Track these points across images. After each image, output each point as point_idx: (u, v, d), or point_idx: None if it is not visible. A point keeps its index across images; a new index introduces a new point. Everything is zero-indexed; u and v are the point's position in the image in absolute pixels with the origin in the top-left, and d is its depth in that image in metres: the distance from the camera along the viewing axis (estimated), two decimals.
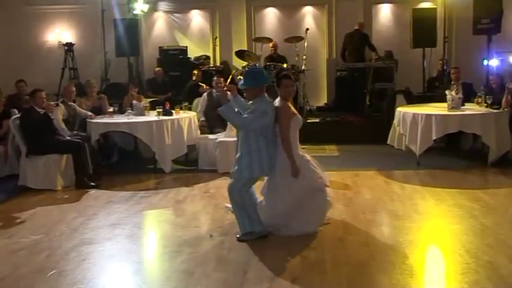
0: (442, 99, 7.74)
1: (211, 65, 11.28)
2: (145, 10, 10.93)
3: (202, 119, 8.16)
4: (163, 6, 11.85)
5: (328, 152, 8.66)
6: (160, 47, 11.30)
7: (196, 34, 12.02)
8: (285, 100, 4.70)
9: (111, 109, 7.80)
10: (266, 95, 4.65)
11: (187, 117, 7.65)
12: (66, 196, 6.38)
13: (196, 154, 7.74)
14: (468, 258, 4.03)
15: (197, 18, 12.04)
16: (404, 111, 7.62)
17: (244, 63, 9.99)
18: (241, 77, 5.27)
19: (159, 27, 12.01)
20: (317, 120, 9.86)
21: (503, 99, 7.32)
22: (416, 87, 10.02)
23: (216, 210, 5.54)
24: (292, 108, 4.75)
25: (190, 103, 8.61)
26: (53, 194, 6.46)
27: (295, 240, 4.51)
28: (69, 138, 6.99)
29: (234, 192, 4.56)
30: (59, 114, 7.14)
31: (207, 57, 11.57)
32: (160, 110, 7.52)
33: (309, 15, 11.90)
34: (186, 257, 4.26)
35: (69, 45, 10.69)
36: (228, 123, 6.95)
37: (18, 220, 5.46)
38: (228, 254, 4.32)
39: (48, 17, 11.56)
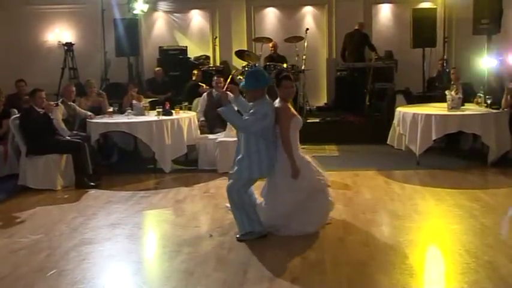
0: (442, 99, 7.74)
1: (211, 65, 11.30)
2: (145, 10, 10.94)
3: (202, 119, 8.16)
4: (163, 6, 11.85)
5: (328, 152, 8.65)
6: (160, 47, 11.31)
7: (196, 34, 12.02)
8: (285, 101, 4.70)
9: (111, 109, 7.81)
10: (267, 96, 4.65)
11: (187, 117, 7.65)
12: (66, 196, 6.38)
13: (196, 154, 7.74)
14: (468, 258, 4.03)
15: (197, 18, 12.04)
16: (404, 111, 7.62)
17: (244, 63, 9.99)
18: (242, 78, 5.27)
19: (159, 27, 12.02)
20: (317, 120, 9.87)
21: (503, 100, 7.31)
22: (416, 87, 10.03)
23: (216, 210, 5.54)
24: (292, 109, 4.75)
25: (190, 103, 8.61)
26: (52, 194, 6.46)
27: (295, 240, 4.51)
28: (69, 138, 6.98)
29: (232, 192, 4.56)
30: (58, 114, 7.14)
31: (207, 57, 11.58)
32: (160, 110, 7.52)
33: (309, 15, 11.91)
34: (185, 256, 4.26)
35: (69, 45, 10.68)
36: (227, 123, 6.95)
37: (18, 220, 5.46)
38: (228, 254, 4.32)
39: (48, 16, 11.56)
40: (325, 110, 10.96)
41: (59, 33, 11.44)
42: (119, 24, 9.85)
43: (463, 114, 7.17)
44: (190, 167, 7.69)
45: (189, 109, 8.32)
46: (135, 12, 10.66)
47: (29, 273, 4.02)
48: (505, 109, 7.28)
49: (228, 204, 4.80)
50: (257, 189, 4.93)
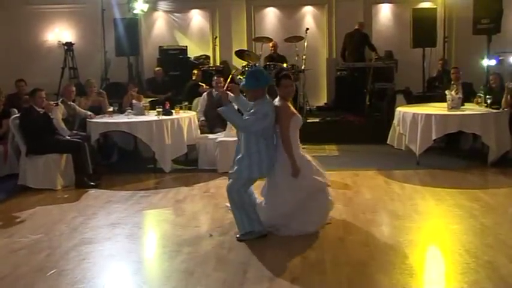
0: (442, 99, 7.74)
1: (211, 65, 11.30)
2: (145, 10, 10.93)
3: (202, 118, 8.16)
4: (163, 5, 11.85)
5: (328, 151, 8.65)
6: (160, 47, 11.30)
7: (196, 34, 12.02)
8: (285, 100, 4.70)
9: (111, 109, 7.81)
10: (267, 95, 4.65)
11: (187, 117, 7.64)
12: (66, 196, 6.37)
13: (196, 154, 7.73)
14: (468, 258, 4.03)
15: (197, 18, 12.04)
16: (404, 111, 7.62)
17: (244, 63, 9.99)
18: (242, 77, 5.27)
19: (159, 26, 12.01)
20: (317, 120, 9.87)
21: (503, 99, 7.32)
22: (416, 87, 10.02)
23: (216, 210, 5.54)
24: (292, 107, 4.74)
25: (190, 103, 8.60)
26: (52, 194, 6.46)
27: (295, 240, 4.51)
28: (69, 137, 6.98)
29: (232, 192, 4.55)
30: (58, 114, 7.13)
31: (207, 57, 11.58)
32: (160, 109, 7.52)
33: (309, 15, 11.91)
34: (185, 256, 4.26)
35: (69, 45, 10.69)
36: (227, 122, 6.96)
37: (18, 219, 5.45)
38: (227, 253, 4.32)
39: (48, 16, 11.56)
40: (325, 109, 10.96)
41: (59, 32, 11.44)
42: (119, 23, 9.85)
43: (463, 114, 7.17)
44: (190, 166, 7.69)
45: (189, 109, 8.32)
46: (135, 12, 10.65)
47: (29, 273, 4.02)
48: (505, 109, 7.28)
49: (228, 204, 4.80)
50: (257, 189, 4.93)
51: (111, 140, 8.11)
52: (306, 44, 10.12)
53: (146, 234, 5.12)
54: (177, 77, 10.61)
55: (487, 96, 7.38)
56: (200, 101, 8.43)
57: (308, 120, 9.48)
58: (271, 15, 11.99)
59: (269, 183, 4.77)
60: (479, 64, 9.07)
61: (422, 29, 9.48)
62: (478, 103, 7.61)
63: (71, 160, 6.77)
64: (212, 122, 7.96)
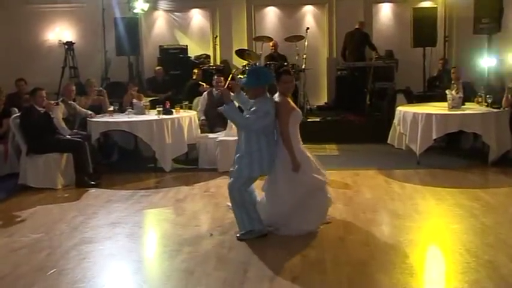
0: (443, 98, 7.73)
1: (212, 64, 11.29)
2: (146, 9, 10.92)
3: (203, 118, 8.16)
4: (163, 5, 11.84)
5: (329, 151, 8.65)
6: (160, 46, 11.29)
7: (196, 33, 12.01)
8: (284, 95, 4.70)
9: (111, 108, 7.81)
10: (268, 93, 4.65)
11: (187, 116, 7.64)
12: (66, 195, 6.38)
13: (197, 153, 7.73)
14: (468, 257, 4.03)
15: (197, 17, 12.04)
16: (404, 110, 7.62)
17: (245, 62, 10.00)
18: (242, 77, 5.26)
19: (160, 26, 12.01)
20: (317, 119, 9.86)
21: (504, 99, 7.30)
22: (416, 87, 10.01)
23: (216, 209, 5.54)
24: (292, 102, 4.74)
25: (191, 102, 8.60)
26: (53, 193, 6.46)
27: (295, 239, 4.50)
28: (69, 137, 6.98)
29: (234, 191, 4.55)
30: (59, 113, 7.13)
31: (207, 56, 11.57)
32: (161, 109, 7.52)
33: (309, 14, 11.90)
34: (186, 256, 4.26)
35: (69, 44, 10.69)
36: (228, 121, 6.96)
37: (19, 219, 5.46)
38: (228, 253, 4.32)
39: (48, 15, 11.55)
40: (326, 109, 10.96)
41: (60, 32, 11.43)
42: (119, 23, 9.85)
43: (463, 114, 7.17)
44: (190, 166, 7.69)
45: (190, 108, 8.31)
46: (135, 11, 10.65)
47: (29, 272, 4.02)
48: (506, 108, 7.27)
49: (229, 203, 4.80)
50: (258, 189, 4.92)
51: (112, 139, 8.11)
52: (306, 43, 10.12)
53: (146, 234, 5.12)
54: (177, 76, 10.61)
55: (488, 96, 7.38)
56: (200, 100, 8.43)
57: (308, 120, 9.49)
58: (271, 14, 11.99)
59: (269, 178, 4.76)
60: (479, 63, 9.07)
61: (422, 28, 9.48)
62: (478, 103, 7.61)
63: (72, 159, 6.77)
64: (212, 121, 7.96)
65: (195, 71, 9.86)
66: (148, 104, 8.11)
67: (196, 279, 3.81)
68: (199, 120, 8.03)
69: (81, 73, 10.56)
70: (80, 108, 7.67)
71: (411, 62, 10.41)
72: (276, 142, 4.64)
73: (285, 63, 9.72)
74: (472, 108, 7.45)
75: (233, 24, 11.69)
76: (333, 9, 11.66)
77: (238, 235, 4.60)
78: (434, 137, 7.11)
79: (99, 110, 7.92)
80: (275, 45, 10.69)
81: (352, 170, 7.13)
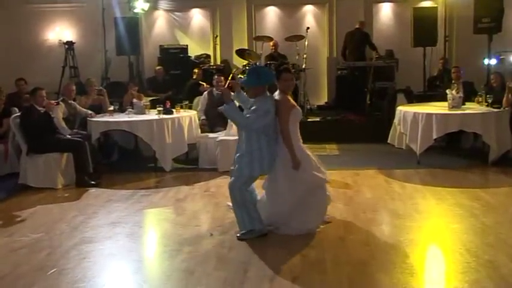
0: (443, 98, 7.74)
1: (212, 64, 11.30)
2: (146, 9, 10.93)
3: (203, 117, 8.16)
4: (163, 4, 11.84)
5: (329, 150, 8.65)
6: (160, 46, 11.30)
7: (196, 33, 12.02)
8: (284, 93, 4.70)
9: (111, 108, 7.80)
10: (268, 92, 4.65)
11: (187, 116, 7.64)
12: (66, 195, 6.37)
13: (197, 153, 7.73)
14: (469, 257, 4.02)
15: (198, 17, 12.04)
16: (404, 110, 7.61)
17: (245, 62, 10.00)
18: (242, 76, 5.25)
19: (160, 25, 12.01)
20: (317, 119, 9.86)
21: (504, 98, 7.30)
22: (416, 86, 10.02)
23: (217, 209, 5.53)
24: (292, 100, 4.73)
25: (191, 102, 8.60)
26: (53, 193, 6.45)
27: (295, 239, 4.50)
28: (69, 136, 6.98)
29: (234, 190, 4.55)
30: (59, 113, 7.13)
31: (208, 56, 11.58)
32: (161, 108, 7.52)
33: (309, 14, 11.90)
34: (186, 255, 4.26)
35: (69, 44, 10.70)
36: (228, 121, 6.96)
37: (19, 218, 5.45)
38: (228, 252, 4.31)
39: (49, 15, 11.56)
40: (326, 108, 10.96)
41: (60, 31, 11.44)
42: (119, 23, 9.86)
43: (463, 113, 7.16)
44: (190, 165, 7.69)
45: (190, 108, 8.31)
46: (135, 10, 10.65)
47: (30, 272, 4.02)
48: (506, 108, 7.27)
49: (229, 203, 4.79)
50: (258, 188, 4.92)
51: (112, 139, 8.11)
52: (306, 43, 10.12)
53: (147, 233, 5.12)
54: (177, 76, 10.61)
55: (488, 96, 7.38)
56: (201, 100, 8.42)
57: (309, 119, 9.50)
58: (271, 14, 11.99)
59: (270, 177, 4.76)
60: (480, 63, 9.07)
61: (423, 28, 9.48)
62: (478, 102, 7.61)
63: (72, 159, 6.77)
64: (213, 121, 7.96)
65: (196, 70, 9.86)
66: (148, 103, 8.11)
67: (196, 279, 3.81)
68: (199, 119, 8.03)
69: (81, 73, 10.57)
70: (80, 108, 7.67)
71: (411, 62, 10.41)
72: (276, 140, 4.64)
73: (286, 63, 9.72)
74: (472, 108, 7.45)
75: (233, 23, 11.69)
76: (333, 8, 11.66)
77: (238, 235, 4.60)
78: (434, 136, 7.10)
79: (99, 109, 7.92)
80: (275, 45, 10.70)
81: (352, 169, 7.12)
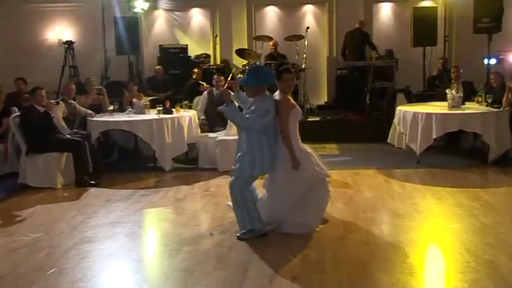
0: (443, 98, 7.74)
1: (212, 64, 11.30)
2: (146, 8, 10.90)
3: (203, 117, 8.16)
4: (163, 4, 11.83)
5: (329, 150, 8.65)
6: (160, 45, 11.29)
7: (196, 32, 12.01)
8: (285, 93, 4.70)
9: (111, 107, 7.80)
10: (267, 92, 4.65)
11: (187, 116, 7.64)
12: (66, 194, 6.37)
13: (197, 152, 7.73)
14: (468, 257, 4.03)
15: (197, 17, 12.03)
16: (404, 110, 7.61)
17: (245, 62, 9.99)
18: (241, 75, 5.24)
19: (160, 25, 12.00)
20: (317, 118, 9.86)
21: (504, 98, 7.31)
22: (416, 86, 10.01)
23: (216, 208, 5.53)
24: (292, 100, 4.74)
25: (191, 101, 8.60)
26: (52, 192, 6.45)
27: (295, 238, 4.50)
28: (69, 136, 6.98)
29: (235, 189, 4.55)
30: (59, 112, 7.13)
31: (208, 56, 11.57)
32: (161, 108, 7.52)
33: (309, 13, 11.90)
34: (186, 255, 4.26)
35: (69, 43, 10.70)
36: (228, 121, 6.95)
37: (18, 218, 5.45)
38: (228, 252, 4.31)
39: (48, 14, 11.55)
40: (326, 108, 10.95)
41: (59, 31, 11.43)
42: (119, 22, 9.84)
43: (463, 113, 7.16)
44: (190, 165, 7.69)
45: (190, 107, 8.31)
46: (135, 10, 10.63)
47: (29, 272, 4.02)
48: (506, 108, 7.27)
49: (229, 203, 4.79)
50: (258, 187, 4.92)
51: (112, 139, 8.11)
52: (306, 42, 10.13)
53: (146, 233, 5.12)
54: (177, 76, 10.60)
55: (488, 95, 7.38)
56: (200, 100, 8.42)
57: (308, 119, 9.50)
58: (271, 13, 11.99)
59: (270, 175, 4.76)
60: (479, 63, 9.06)
61: (422, 27, 9.48)
62: (478, 102, 7.61)
63: (71, 159, 6.77)
64: (212, 120, 7.96)
65: (195, 70, 9.85)
66: (148, 103, 8.11)
67: (196, 279, 3.81)
68: (199, 119, 8.03)
69: (81, 72, 10.57)
70: (80, 107, 7.66)
71: (411, 62, 10.41)
72: (276, 140, 4.64)
73: (285, 63, 9.72)
74: (472, 107, 7.45)
75: (233, 23, 11.69)
76: (333, 8, 11.66)
77: (238, 234, 4.59)
78: (434, 136, 7.10)
79: (99, 109, 7.91)
80: (275, 45, 10.70)
81: (352, 169, 7.13)
